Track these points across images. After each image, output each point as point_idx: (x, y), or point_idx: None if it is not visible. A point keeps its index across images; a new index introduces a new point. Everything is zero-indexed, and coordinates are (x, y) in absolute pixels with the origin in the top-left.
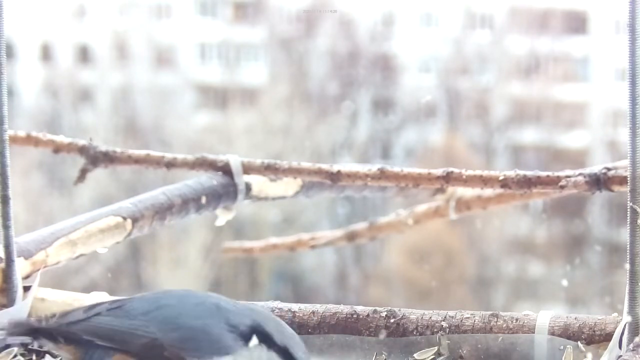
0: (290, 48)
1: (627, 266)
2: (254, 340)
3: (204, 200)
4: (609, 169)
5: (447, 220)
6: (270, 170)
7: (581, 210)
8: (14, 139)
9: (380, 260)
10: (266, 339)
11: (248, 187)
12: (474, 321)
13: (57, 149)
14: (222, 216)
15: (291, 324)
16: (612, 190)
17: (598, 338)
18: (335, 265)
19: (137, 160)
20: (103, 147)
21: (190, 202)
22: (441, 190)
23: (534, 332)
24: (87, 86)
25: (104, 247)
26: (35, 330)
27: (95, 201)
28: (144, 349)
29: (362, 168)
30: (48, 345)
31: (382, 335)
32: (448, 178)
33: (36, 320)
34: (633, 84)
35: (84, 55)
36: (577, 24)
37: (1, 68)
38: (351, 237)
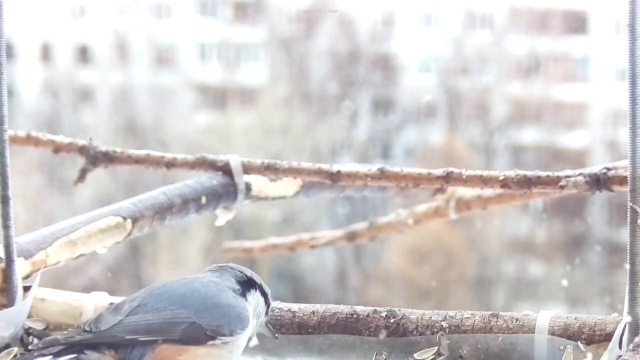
0: (290, 48)
1: (627, 266)
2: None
3: (204, 200)
4: (609, 169)
5: (447, 220)
6: (270, 170)
7: (581, 210)
8: (14, 139)
9: (380, 260)
10: (252, 284)
11: (248, 187)
12: (474, 321)
13: (57, 149)
14: (222, 216)
15: (291, 324)
16: (612, 190)
17: (598, 338)
18: (335, 265)
19: (137, 160)
20: (103, 147)
21: (190, 202)
22: (441, 190)
23: (534, 332)
24: (87, 86)
25: (103, 247)
26: (76, 345)
27: (95, 201)
28: (185, 333)
29: (362, 168)
30: (92, 356)
31: (382, 335)
32: (448, 178)
33: (66, 335)
34: (633, 84)
35: (83, 55)
36: (577, 24)
37: (1, 68)
38: (351, 237)
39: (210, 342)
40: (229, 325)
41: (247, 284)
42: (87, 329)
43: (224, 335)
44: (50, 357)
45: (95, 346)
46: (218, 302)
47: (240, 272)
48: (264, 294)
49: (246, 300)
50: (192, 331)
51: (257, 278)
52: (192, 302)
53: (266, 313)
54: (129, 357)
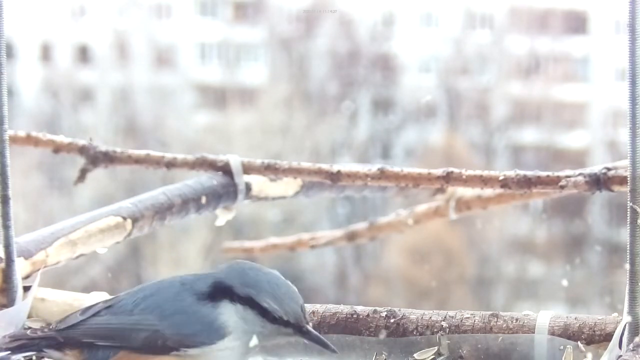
0: (290, 48)
1: (627, 266)
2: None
3: (204, 200)
4: (609, 169)
5: (447, 220)
6: (270, 170)
7: (581, 210)
8: (14, 139)
9: (380, 260)
10: (230, 293)
11: (248, 187)
12: (474, 321)
13: (57, 149)
14: (222, 216)
15: None
16: (612, 190)
17: (598, 338)
18: (335, 265)
19: (137, 160)
20: (103, 147)
21: (190, 202)
22: (441, 190)
23: (534, 332)
24: (87, 86)
25: (103, 247)
26: (36, 341)
27: (95, 201)
28: (146, 342)
29: (362, 168)
30: (53, 355)
31: (382, 335)
32: (448, 178)
33: (32, 331)
34: (633, 84)
35: (83, 55)
36: (577, 24)
37: (1, 68)
38: (351, 237)
39: (174, 353)
40: (195, 335)
41: (224, 291)
42: (52, 326)
43: (188, 346)
44: (8, 352)
45: (57, 345)
46: (180, 309)
47: (233, 278)
48: (259, 309)
49: (218, 308)
50: (153, 340)
51: (244, 288)
52: (159, 307)
53: (278, 333)
54: (90, 359)
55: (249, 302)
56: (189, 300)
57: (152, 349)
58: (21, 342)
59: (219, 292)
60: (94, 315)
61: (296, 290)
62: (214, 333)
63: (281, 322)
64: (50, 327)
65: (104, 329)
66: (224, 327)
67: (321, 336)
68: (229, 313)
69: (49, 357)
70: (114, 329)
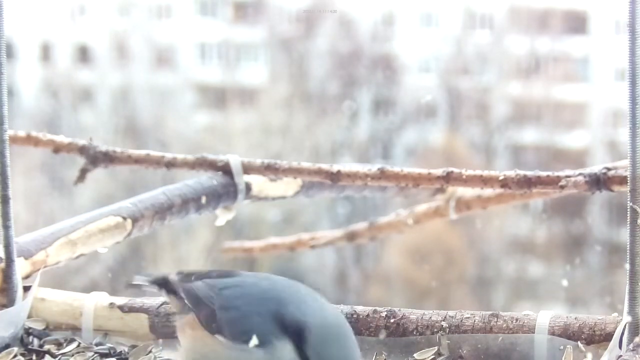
0: (290, 48)
1: (627, 266)
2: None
3: (204, 200)
4: (609, 169)
5: (447, 220)
6: (270, 170)
7: (581, 210)
8: (14, 139)
9: (380, 260)
10: (299, 344)
11: (248, 187)
12: (474, 321)
13: (57, 149)
14: (222, 216)
15: None
16: (612, 190)
17: (598, 338)
18: (335, 265)
19: (137, 160)
20: (103, 147)
21: (190, 202)
22: (441, 190)
23: (534, 332)
24: (86, 86)
25: (104, 247)
26: (165, 282)
27: (95, 201)
28: (205, 316)
29: (362, 168)
30: (164, 296)
31: (382, 335)
32: (448, 178)
33: (177, 273)
34: (633, 84)
35: (83, 55)
36: (577, 24)
37: (1, 68)
38: (351, 237)
39: (217, 336)
40: (234, 334)
41: (299, 337)
42: (182, 275)
43: (224, 336)
44: (144, 280)
45: (170, 289)
46: (243, 310)
47: (316, 328)
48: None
49: (281, 340)
50: (208, 317)
51: (317, 350)
52: (227, 296)
53: None
54: (180, 311)
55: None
56: (258, 309)
57: (206, 324)
58: (158, 279)
59: (295, 333)
60: (200, 279)
61: None
62: (248, 339)
63: None
64: (183, 274)
65: (192, 292)
66: (267, 340)
67: None
68: (281, 351)
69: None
70: (197, 295)
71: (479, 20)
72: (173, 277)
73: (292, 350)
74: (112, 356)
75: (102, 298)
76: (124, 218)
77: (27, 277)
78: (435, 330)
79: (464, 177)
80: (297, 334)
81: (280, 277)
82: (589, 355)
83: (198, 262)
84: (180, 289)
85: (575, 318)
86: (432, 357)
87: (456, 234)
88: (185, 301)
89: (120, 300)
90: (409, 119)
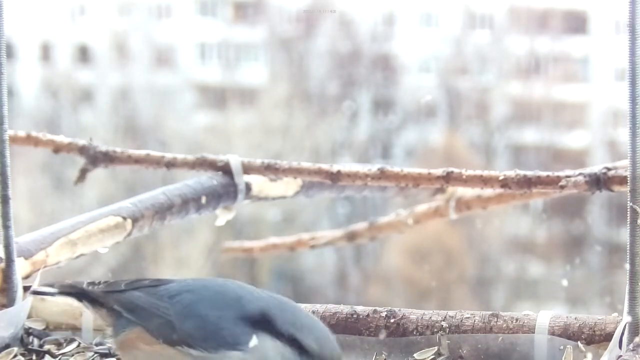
0: (290, 48)
1: (627, 266)
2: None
3: (204, 200)
4: (609, 169)
5: (447, 220)
6: (270, 170)
7: (581, 210)
8: (14, 139)
9: (380, 260)
10: (272, 328)
11: (248, 187)
12: (474, 321)
13: (57, 149)
14: (222, 216)
15: None
16: (612, 190)
17: (598, 338)
18: (335, 265)
19: (137, 160)
20: (103, 147)
21: (190, 202)
22: (441, 190)
23: (534, 332)
24: (86, 86)
25: (104, 247)
26: (83, 293)
27: (95, 201)
28: (158, 328)
29: (362, 168)
30: (89, 307)
31: (382, 335)
32: (448, 178)
33: (88, 283)
34: (633, 84)
35: (83, 55)
36: (577, 24)
37: (1, 68)
38: (351, 237)
39: (179, 348)
40: (201, 340)
41: (269, 324)
42: (101, 285)
43: (189, 346)
44: (56, 290)
45: (94, 302)
46: (206, 315)
47: (280, 313)
48: (301, 349)
49: (253, 332)
50: (165, 329)
51: (289, 327)
52: (184, 304)
53: None
54: (115, 324)
55: (291, 341)
56: (226, 314)
57: (162, 337)
58: (72, 289)
59: (262, 322)
60: (134, 289)
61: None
62: (225, 343)
63: None
64: (99, 284)
65: (133, 303)
66: (240, 345)
67: None
68: (262, 345)
69: (85, 307)
70: (140, 306)
71: (479, 20)
72: (90, 287)
73: (269, 337)
74: (112, 356)
75: None
76: (124, 218)
77: (27, 277)
78: (435, 330)
79: (464, 177)
80: (264, 320)
81: (211, 277)
82: (589, 355)
83: (198, 262)
84: (110, 300)
85: (575, 318)
86: (432, 357)
87: (456, 234)
88: (124, 314)
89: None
90: (408, 119)
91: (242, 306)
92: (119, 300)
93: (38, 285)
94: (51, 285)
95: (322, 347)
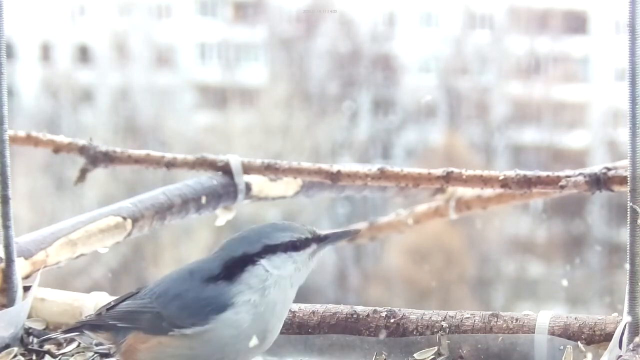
0: (290, 48)
1: (627, 266)
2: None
3: (204, 200)
4: (609, 169)
5: (447, 220)
6: (270, 170)
7: (581, 210)
8: (14, 139)
9: (380, 260)
10: (245, 260)
11: (248, 187)
12: (474, 321)
13: (57, 149)
14: (222, 216)
15: (291, 324)
16: (612, 190)
17: (598, 338)
18: (335, 265)
19: (137, 160)
20: (103, 147)
21: (190, 202)
22: (441, 190)
23: (534, 332)
24: (86, 86)
25: (104, 247)
26: (82, 325)
27: (95, 201)
28: (148, 323)
29: (362, 168)
30: (90, 336)
31: (382, 335)
32: (448, 178)
33: (87, 316)
34: (633, 84)
35: (83, 55)
36: (577, 24)
37: (1, 68)
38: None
39: (171, 333)
40: (189, 317)
41: (241, 261)
42: (98, 312)
43: (180, 327)
44: (59, 332)
45: (92, 327)
46: (178, 293)
47: (243, 243)
48: (281, 248)
49: (232, 283)
50: (154, 321)
51: (255, 245)
52: (160, 292)
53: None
54: (116, 340)
55: (269, 251)
56: (193, 284)
57: (154, 330)
58: (72, 327)
59: (236, 266)
60: (122, 301)
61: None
62: (205, 314)
63: (304, 244)
64: (95, 313)
65: (121, 312)
66: (221, 305)
67: (338, 231)
68: (253, 278)
69: (90, 338)
70: (128, 311)
71: (479, 20)
72: (87, 318)
73: (248, 270)
74: (112, 356)
75: (102, 298)
76: (124, 218)
77: (27, 277)
78: (435, 330)
79: (464, 177)
80: (242, 262)
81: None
82: (589, 355)
83: None
84: (105, 319)
85: (575, 318)
86: (432, 357)
87: (456, 234)
88: (118, 324)
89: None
90: (409, 119)
91: (201, 273)
92: (111, 314)
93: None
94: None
95: (293, 231)
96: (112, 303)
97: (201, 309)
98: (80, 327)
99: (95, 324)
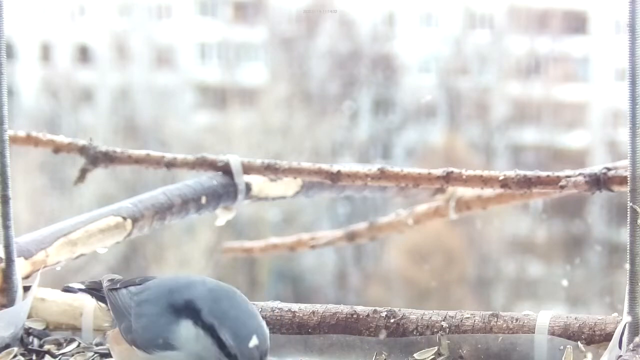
0: (290, 48)
1: (627, 266)
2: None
3: (204, 200)
4: (609, 169)
5: (447, 220)
6: (270, 170)
7: (581, 210)
8: (14, 139)
9: (380, 260)
10: (195, 315)
11: (248, 187)
12: (474, 321)
13: (57, 149)
14: (222, 216)
15: (291, 324)
16: (612, 190)
17: (598, 338)
18: (335, 265)
19: (137, 160)
20: (103, 147)
21: (190, 202)
22: (441, 190)
23: (534, 332)
24: (86, 86)
25: (104, 247)
26: (98, 290)
27: (95, 201)
28: (124, 328)
29: (362, 168)
30: (102, 307)
31: (382, 335)
32: (448, 178)
33: (108, 280)
34: (633, 84)
35: (83, 55)
36: (577, 24)
37: (1, 68)
38: (351, 237)
39: (134, 347)
40: (143, 340)
41: (192, 311)
42: (107, 282)
43: (137, 346)
44: (84, 287)
45: (102, 298)
46: (147, 311)
47: (205, 300)
48: (219, 340)
49: (179, 325)
50: (127, 328)
51: (211, 317)
52: (141, 301)
53: None
54: (112, 322)
55: (211, 331)
56: (158, 308)
57: (126, 336)
58: (94, 284)
59: (188, 310)
60: (125, 287)
61: (266, 332)
62: (158, 344)
63: None
64: (108, 281)
65: (113, 303)
66: (170, 342)
67: None
68: (186, 334)
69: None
70: (117, 306)
71: (479, 20)
72: (105, 283)
73: (191, 324)
74: (112, 356)
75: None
76: (124, 218)
77: (27, 277)
78: (435, 330)
79: (464, 177)
80: (190, 309)
81: (184, 274)
82: (589, 355)
83: (200, 262)
84: (106, 297)
85: (575, 318)
86: (432, 357)
87: (456, 234)
88: (111, 313)
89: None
90: (409, 119)
91: (172, 297)
92: (109, 298)
93: (37, 286)
94: (82, 282)
95: (240, 345)
96: (119, 284)
97: (152, 336)
98: (97, 291)
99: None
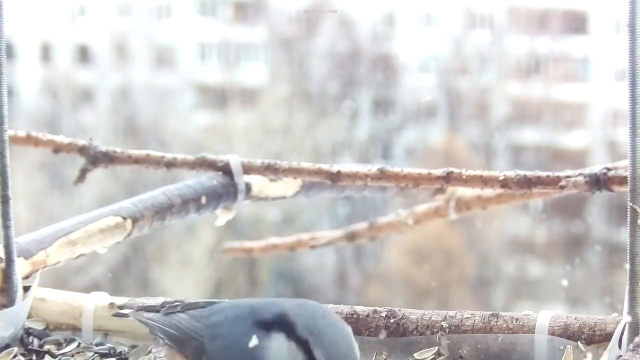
0: (290, 48)
1: (627, 266)
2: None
3: (204, 200)
4: (609, 169)
5: (447, 220)
6: (270, 170)
7: (581, 210)
8: (14, 139)
9: (380, 260)
10: (288, 329)
11: (248, 187)
12: (474, 321)
13: (57, 149)
14: (222, 216)
15: None
16: (612, 190)
17: (598, 338)
18: (335, 265)
19: (137, 160)
20: (103, 147)
21: (190, 202)
22: (441, 190)
23: (534, 332)
24: (86, 86)
25: (104, 247)
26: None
27: (95, 201)
28: (194, 352)
29: (362, 168)
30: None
31: (382, 335)
32: (448, 178)
33: (162, 304)
34: (633, 84)
35: (83, 55)
36: (577, 24)
37: (1, 68)
38: (351, 237)
39: None
40: (221, 357)
41: (285, 325)
42: (163, 307)
43: None
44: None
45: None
46: (227, 332)
47: (299, 315)
48: (311, 357)
49: (270, 340)
50: (198, 352)
51: (306, 332)
52: (211, 324)
53: None
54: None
55: (305, 346)
56: (243, 328)
57: (198, 358)
58: (140, 309)
59: (280, 324)
60: (184, 310)
61: (357, 356)
62: None
63: None
64: (162, 306)
65: (176, 325)
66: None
67: None
68: (278, 348)
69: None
70: (179, 329)
71: (479, 20)
72: (163, 309)
73: (284, 337)
74: (112, 356)
75: (102, 298)
76: (124, 218)
77: (27, 277)
78: (435, 330)
79: (464, 177)
80: (282, 325)
81: (251, 299)
82: (589, 355)
83: (200, 262)
84: (153, 326)
85: (575, 318)
86: (432, 357)
87: (456, 234)
88: (166, 340)
89: (120, 300)
90: (409, 119)
91: (256, 314)
92: (164, 323)
93: (37, 287)
94: (131, 308)
95: (331, 357)
96: (178, 308)
97: (239, 355)
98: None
99: (143, 322)
